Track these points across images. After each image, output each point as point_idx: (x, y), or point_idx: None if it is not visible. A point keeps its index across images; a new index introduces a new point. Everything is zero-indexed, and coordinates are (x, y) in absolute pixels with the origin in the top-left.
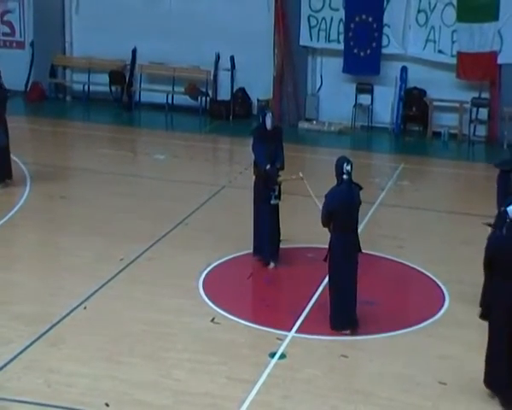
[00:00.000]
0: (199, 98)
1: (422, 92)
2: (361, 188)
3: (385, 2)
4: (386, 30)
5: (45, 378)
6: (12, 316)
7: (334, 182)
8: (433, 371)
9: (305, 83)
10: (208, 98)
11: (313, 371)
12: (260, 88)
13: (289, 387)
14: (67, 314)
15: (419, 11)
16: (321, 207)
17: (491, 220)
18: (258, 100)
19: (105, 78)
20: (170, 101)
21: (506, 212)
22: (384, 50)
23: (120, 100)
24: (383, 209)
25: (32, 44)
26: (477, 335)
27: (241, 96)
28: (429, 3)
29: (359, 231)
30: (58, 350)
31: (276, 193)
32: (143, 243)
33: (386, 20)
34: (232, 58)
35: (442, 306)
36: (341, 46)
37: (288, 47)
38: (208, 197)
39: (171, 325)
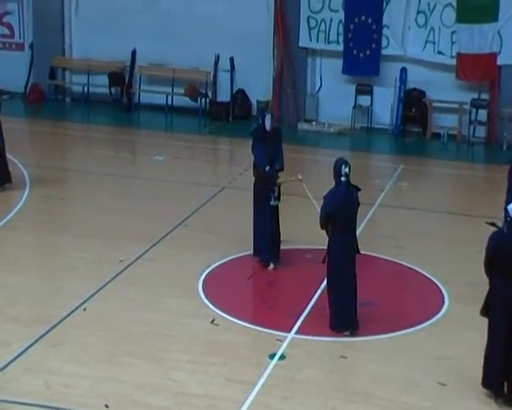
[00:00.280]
0: (198, 99)
1: (422, 93)
2: (359, 189)
3: (384, 4)
4: (385, 31)
5: (45, 380)
6: (12, 318)
7: (334, 183)
8: (432, 372)
9: (305, 84)
10: (208, 99)
11: (313, 372)
12: (260, 89)
13: (289, 388)
14: (67, 316)
15: (418, 12)
16: (319, 209)
17: (496, 221)
18: (257, 101)
19: (104, 79)
20: (169, 102)
21: (507, 210)
22: (383, 51)
23: (120, 101)
24: (382, 210)
25: (31, 46)
26: (476, 335)
27: (240, 97)
28: (429, 4)
29: (359, 231)
30: (58, 352)
31: (276, 194)
32: (143, 244)
33: (385, 21)
34: (232, 59)
35: (441, 306)
36: (341, 47)
37: (288, 48)
38: (208, 198)
39: (171, 327)
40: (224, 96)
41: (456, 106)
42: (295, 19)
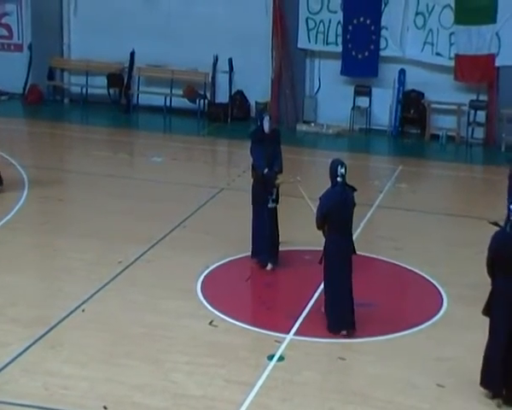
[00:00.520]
0: (197, 101)
1: (420, 95)
2: (355, 190)
3: (383, 5)
4: (384, 32)
5: (43, 381)
6: (10, 318)
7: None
8: (431, 374)
9: (304, 85)
10: (206, 101)
11: (311, 374)
12: (258, 90)
13: (287, 389)
14: (66, 317)
15: (417, 14)
16: (315, 210)
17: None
18: (256, 102)
19: (103, 80)
20: (168, 103)
21: (510, 210)
22: (382, 53)
23: (118, 102)
24: (381, 211)
25: (29, 47)
26: (475, 337)
27: (239, 98)
28: (427, 6)
29: (357, 232)
30: (56, 353)
31: (274, 196)
32: (142, 245)
33: (384, 22)
34: (230, 60)
35: (440, 308)
36: (339, 48)
37: (286, 49)
38: (207, 200)
39: (170, 328)
40: (222, 97)
41: (454, 107)
42: (294, 20)
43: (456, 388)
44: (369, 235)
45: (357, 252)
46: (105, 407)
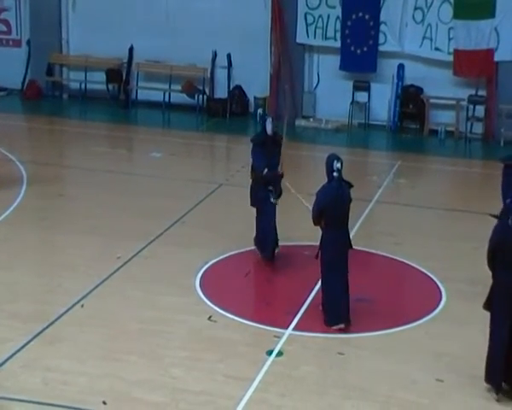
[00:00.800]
0: (196, 96)
1: (419, 90)
2: (351, 186)
3: (381, 0)
4: (382, 27)
5: (43, 377)
6: (9, 314)
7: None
8: (430, 368)
9: (302, 80)
10: (205, 96)
11: (310, 369)
12: (257, 86)
13: (286, 384)
14: (65, 313)
15: (416, 8)
16: (311, 207)
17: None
18: (254, 97)
19: (102, 76)
20: (167, 99)
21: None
22: (381, 48)
23: (117, 98)
24: (380, 207)
25: (28, 43)
26: (474, 332)
27: (237, 93)
28: (426, 1)
29: (356, 228)
30: (55, 348)
31: (276, 194)
32: (140, 241)
33: (382, 17)
34: (229, 56)
35: (439, 303)
36: (338, 44)
37: (285, 44)
38: (205, 195)
39: (169, 323)
40: (221, 92)
41: (453, 102)
42: (292, 15)
43: (456, 382)
44: (368, 230)
45: (357, 247)
46: (104, 403)
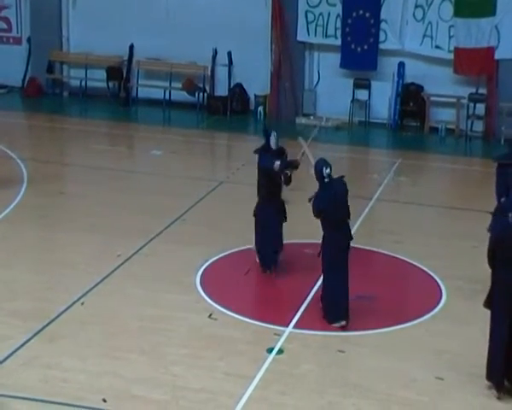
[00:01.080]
0: (196, 94)
1: (420, 88)
2: (343, 177)
3: None
4: (383, 25)
5: (43, 374)
6: (10, 312)
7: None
8: (430, 366)
9: (303, 78)
10: (205, 94)
11: (310, 367)
12: (258, 83)
13: (287, 382)
14: (65, 310)
15: (416, 6)
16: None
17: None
18: (255, 95)
19: (102, 73)
20: (167, 96)
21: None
22: (381, 46)
23: (117, 96)
24: (381, 204)
25: (28, 40)
26: (475, 330)
27: (238, 91)
28: None
29: (357, 226)
30: (56, 346)
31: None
32: (141, 238)
33: (383, 15)
34: (229, 54)
35: (439, 301)
36: (339, 41)
37: (286, 42)
38: (206, 193)
39: (169, 321)
40: (221, 90)
41: (453, 100)
42: (293, 13)
43: (456, 380)
44: (369, 228)
45: (357, 245)
46: (104, 400)
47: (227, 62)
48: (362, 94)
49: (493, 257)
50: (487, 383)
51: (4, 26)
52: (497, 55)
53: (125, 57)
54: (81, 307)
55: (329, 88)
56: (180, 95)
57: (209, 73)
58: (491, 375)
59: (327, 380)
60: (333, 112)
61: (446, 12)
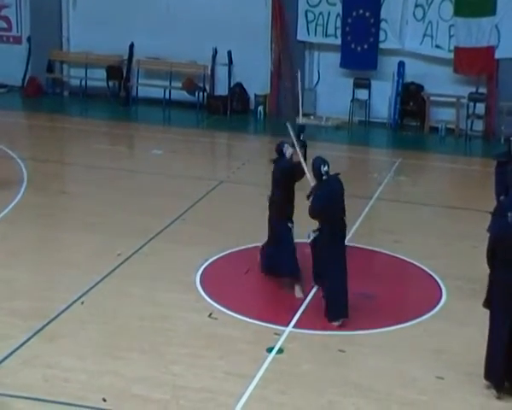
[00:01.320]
0: (196, 93)
1: (420, 87)
2: (338, 174)
3: None
4: (383, 25)
5: (43, 373)
6: (9, 311)
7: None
8: (430, 366)
9: (303, 78)
10: (205, 93)
11: (310, 366)
12: (258, 83)
13: (287, 382)
14: (65, 309)
15: (416, 6)
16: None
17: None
18: (255, 95)
19: (102, 73)
20: (167, 96)
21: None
22: (381, 45)
23: (118, 95)
24: (380, 204)
25: (29, 39)
26: (474, 329)
27: (238, 91)
28: None
29: (356, 225)
30: (56, 345)
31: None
32: (141, 238)
33: (383, 14)
34: (229, 53)
35: (439, 300)
36: (339, 41)
37: (286, 42)
38: (206, 192)
39: (169, 320)
40: (221, 89)
41: (453, 100)
42: (293, 12)
43: (456, 380)
44: (369, 228)
45: (357, 245)
46: (104, 399)
47: (227, 62)
48: (362, 93)
49: (492, 257)
50: (486, 382)
51: (4, 25)
52: (497, 55)
53: (125, 56)
54: (81, 307)
55: (329, 87)
56: (180, 94)
57: (209, 72)
58: (489, 374)
59: (327, 379)
60: (333, 111)
61: (446, 11)
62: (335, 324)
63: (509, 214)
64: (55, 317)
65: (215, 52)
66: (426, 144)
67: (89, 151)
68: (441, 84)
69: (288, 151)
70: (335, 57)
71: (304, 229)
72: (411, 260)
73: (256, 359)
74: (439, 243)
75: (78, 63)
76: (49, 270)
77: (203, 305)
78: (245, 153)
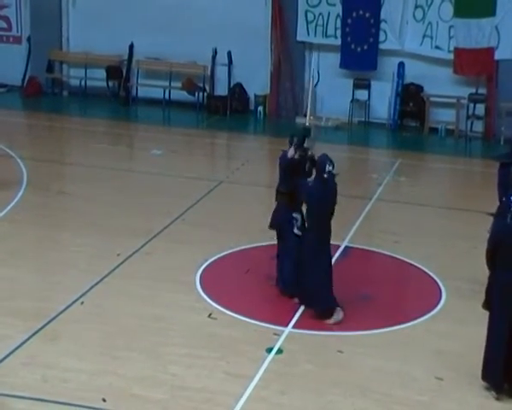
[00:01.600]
0: (196, 93)
1: (419, 88)
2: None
3: None
4: (383, 25)
5: (42, 374)
6: (9, 311)
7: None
8: (429, 367)
9: (303, 78)
10: (205, 93)
11: (310, 367)
12: (257, 83)
13: (286, 382)
14: (65, 309)
15: (416, 7)
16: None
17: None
18: (255, 95)
19: (102, 73)
20: (167, 96)
21: (510, 201)
22: (381, 46)
23: (117, 95)
24: (380, 204)
25: (28, 39)
26: (474, 330)
27: (238, 91)
28: None
29: (356, 226)
30: (55, 345)
31: (299, 223)
32: (140, 238)
33: (383, 15)
34: (229, 53)
35: (439, 301)
36: (338, 41)
37: (285, 42)
38: (206, 192)
39: (169, 320)
40: (221, 90)
41: (453, 100)
42: (293, 12)
43: (455, 381)
44: (368, 228)
45: (357, 245)
46: (104, 400)
47: (227, 62)
48: (361, 94)
49: (492, 258)
50: (483, 383)
51: (4, 25)
52: (496, 56)
53: (125, 56)
54: (81, 307)
55: (329, 88)
56: (180, 94)
57: (209, 72)
58: (487, 375)
59: (326, 380)
60: (332, 112)
61: (446, 12)
62: (329, 322)
63: (509, 215)
64: (55, 317)
65: (215, 52)
66: (426, 145)
67: (88, 151)
68: (441, 84)
69: (290, 153)
70: (335, 58)
71: None
72: (411, 261)
73: (255, 359)
74: (439, 243)
75: (78, 63)
76: (48, 270)
77: (203, 305)
78: (245, 153)
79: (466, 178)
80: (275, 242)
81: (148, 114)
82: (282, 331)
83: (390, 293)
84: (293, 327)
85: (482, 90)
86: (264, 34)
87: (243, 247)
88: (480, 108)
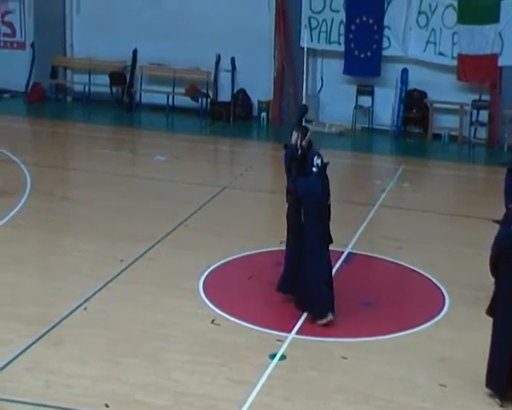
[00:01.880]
0: (199, 99)
1: (423, 94)
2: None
3: (386, 4)
4: (386, 32)
5: (45, 379)
6: (12, 317)
7: (335, 184)
8: (433, 373)
9: (306, 84)
10: (209, 99)
11: (313, 373)
12: (261, 89)
13: (290, 388)
14: (68, 315)
15: (420, 13)
16: None
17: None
18: (258, 101)
19: (105, 79)
20: (170, 102)
21: None
22: (385, 52)
23: (121, 101)
24: (384, 211)
25: (32, 45)
26: (478, 337)
27: (241, 97)
28: (430, 5)
29: (359, 232)
30: (58, 351)
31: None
32: (144, 243)
33: (386, 21)
34: (233, 59)
35: (442, 308)
36: (342, 48)
37: (289, 48)
38: (209, 198)
39: (172, 326)
40: (224, 96)
41: (457, 107)
42: (296, 19)
43: (459, 388)
44: (372, 234)
45: (360, 252)
46: (107, 405)
47: (230, 68)
48: (365, 100)
49: (495, 265)
50: (487, 390)
51: (8, 31)
52: (500, 62)
53: (129, 62)
54: (84, 313)
55: (333, 94)
56: (183, 100)
57: (212, 78)
58: (491, 383)
59: (330, 386)
60: (336, 118)
61: (450, 19)
62: (321, 322)
63: None
64: (58, 322)
65: (218, 58)
66: (429, 151)
67: (92, 157)
68: (444, 91)
69: (293, 137)
70: (339, 64)
71: None
72: (414, 268)
73: (259, 365)
74: (443, 250)
75: (82, 69)
76: (52, 275)
77: (206, 311)
78: (248, 159)
79: (469, 184)
80: (278, 247)
81: (151, 120)
82: (286, 337)
83: (393, 299)
84: (297, 333)
85: (486, 97)
86: (267, 40)
87: (247, 253)
88: (484, 115)
